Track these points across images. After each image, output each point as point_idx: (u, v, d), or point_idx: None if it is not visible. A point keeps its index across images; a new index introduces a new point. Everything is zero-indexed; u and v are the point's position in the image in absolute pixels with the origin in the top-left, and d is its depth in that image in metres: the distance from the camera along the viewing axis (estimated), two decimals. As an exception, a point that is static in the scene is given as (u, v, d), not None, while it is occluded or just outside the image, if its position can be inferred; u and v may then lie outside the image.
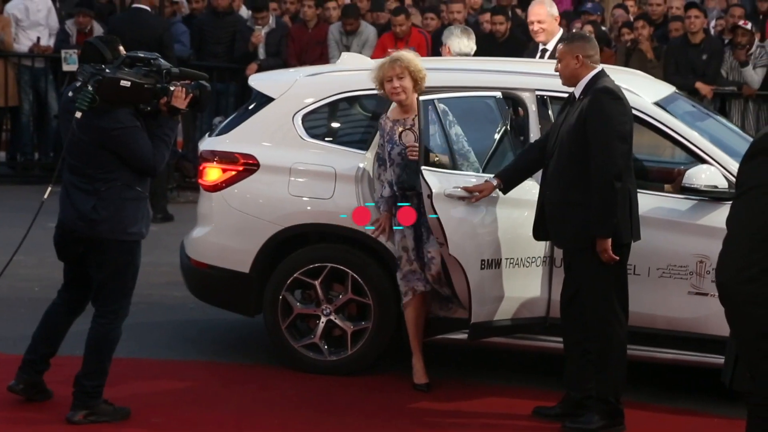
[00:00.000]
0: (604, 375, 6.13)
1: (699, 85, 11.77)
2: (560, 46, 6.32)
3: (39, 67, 12.97)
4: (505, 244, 6.42)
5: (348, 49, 12.11)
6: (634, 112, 6.64)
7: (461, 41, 8.48)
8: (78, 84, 5.81)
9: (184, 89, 5.88)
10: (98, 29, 12.93)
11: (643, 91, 6.90)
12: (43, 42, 12.89)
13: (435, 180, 6.26)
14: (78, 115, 5.72)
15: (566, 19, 13.64)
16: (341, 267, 6.77)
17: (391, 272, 6.75)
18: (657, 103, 6.84)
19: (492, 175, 6.39)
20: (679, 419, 6.51)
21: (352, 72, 7.26)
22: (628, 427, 6.20)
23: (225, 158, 7.04)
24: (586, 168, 6.01)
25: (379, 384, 6.77)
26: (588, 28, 12.34)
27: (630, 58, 12.07)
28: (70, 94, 5.90)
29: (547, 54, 8.47)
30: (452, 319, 6.66)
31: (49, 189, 5.87)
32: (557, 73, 6.27)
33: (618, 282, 6.12)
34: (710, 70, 11.91)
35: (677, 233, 6.52)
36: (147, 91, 5.80)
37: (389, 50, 12.23)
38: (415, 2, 14.42)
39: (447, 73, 7.13)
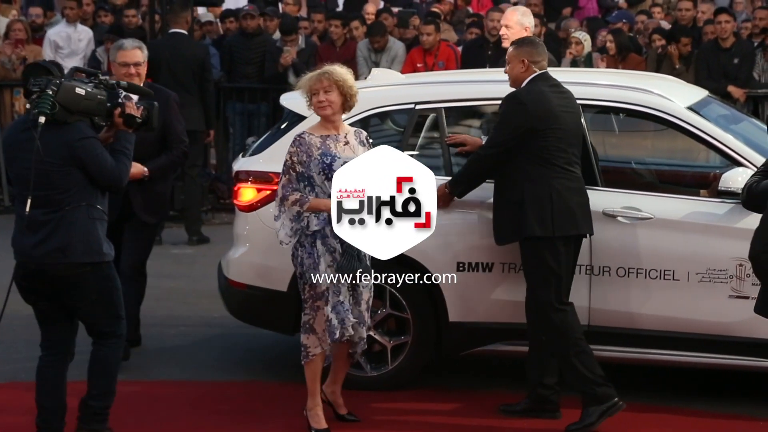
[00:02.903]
0: (565, 365, 6.24)
1: (731, 88, 11.70)
2: (510, 49, 6.52)
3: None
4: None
5: (377, 65, 12.15)
6: (668, 117, 6.67)
7: None
8: (34, 96, 5.58)
9: (133, 101, 5.85)
10: (129, 55, 13.01)
11: (676, 95, 6.88)
12: (77, 70, 13.01)
13: None
14: (42, 119, 5.51)
15: (591, 27, 13.62)
16: (378, 283, 6.76)
17: (428, 286, 6.74)
18: (690, 108, 6.81)
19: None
20: (723, 423, 6.47)
21: (382, 88, 7.29)
22: (661, 428, 6.19)
23: (259, 178, 7.07)
24: (506, 170, 6.31)
25: (422, 397, 6.76)
26: (609, 36, 12.34)
27: (661, 64, 12.03)
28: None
29: None
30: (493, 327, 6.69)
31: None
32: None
33: (553, 275, 6.20)
34: (742, 74, 11.85)
35: (715, 237, 6.48)
36: (100, 103, 5.70)
37: (419, 65, 12.43)
38: (443, 18, 14.43)
39: (488, 85, 7.16)
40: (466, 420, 6.48)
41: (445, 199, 6.48)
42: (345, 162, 6.07)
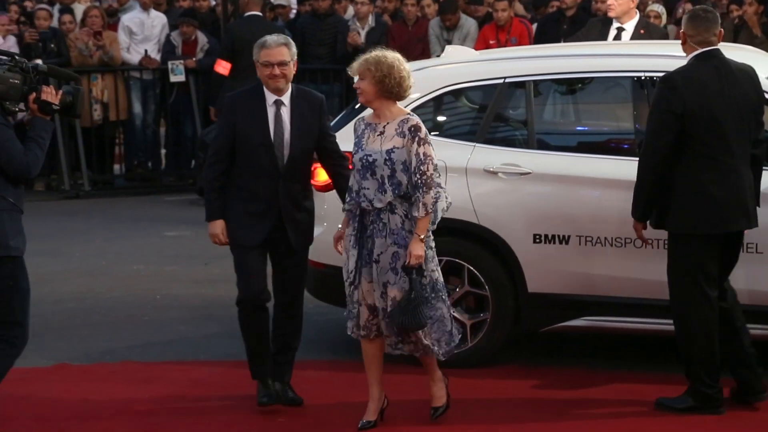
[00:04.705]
0: (689, 356, 6.09)
1: (811, 57, 11.46)
2: None
3: (147, 79, 13.25)
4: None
5: (449, 43, 12.11)
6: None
7: None
8: None
9: (52, 87, 5.53)
10: (202, 39, 13.14)
11: (757, 65, 6.75)
12: (152, 55, 13.15)
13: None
14: None
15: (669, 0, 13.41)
16: (456, 260, 6.77)
17: (507, 263, 6.75)
18: (772, 77, 6.69)
19: None
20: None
21: (457, 65, 7.29)
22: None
23: (336, 157, 7.09)
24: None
25: (500, 375, 6.76)
26: (687, 6, 12.16)
27: (738, 34, 11.83)
28: None
29: (624, 33, 8.73)
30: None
31: None
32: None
33: (691, 271, 5.99)
34: (822, 42, 11.61)
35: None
36: (13, 87, 5.38)
37: (491, 41, 12.37)
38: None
39: (581, 60, 7.18)
40: (545, 397, 6.46)
41: (638, 229, 6.11)
42: (365, 155, 5.85)
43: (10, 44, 12.63)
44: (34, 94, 5.46)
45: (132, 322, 8.04)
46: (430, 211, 5.78)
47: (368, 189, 5.83)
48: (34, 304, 8.14)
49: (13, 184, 5.46)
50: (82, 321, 8.03)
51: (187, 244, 10.29)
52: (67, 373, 6.93)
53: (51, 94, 5.49)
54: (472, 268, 6.78)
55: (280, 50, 6.17)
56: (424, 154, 5.78)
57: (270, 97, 6.18)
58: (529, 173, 6.75)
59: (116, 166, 13.64)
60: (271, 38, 6.27)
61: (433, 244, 5.92)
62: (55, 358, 7.19)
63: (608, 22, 8.93)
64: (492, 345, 6.84)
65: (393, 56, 5.91)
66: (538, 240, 6.72)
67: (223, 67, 11.51)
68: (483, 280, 6.77)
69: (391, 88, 5.85)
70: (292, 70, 6.18)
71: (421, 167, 5.77)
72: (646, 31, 8.97)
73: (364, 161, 5.85)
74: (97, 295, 8.67)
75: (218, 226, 6.19)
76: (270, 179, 6.14)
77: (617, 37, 8.91)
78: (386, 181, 5.80)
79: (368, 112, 6.07)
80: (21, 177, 5.47)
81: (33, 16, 13.13)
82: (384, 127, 5.87)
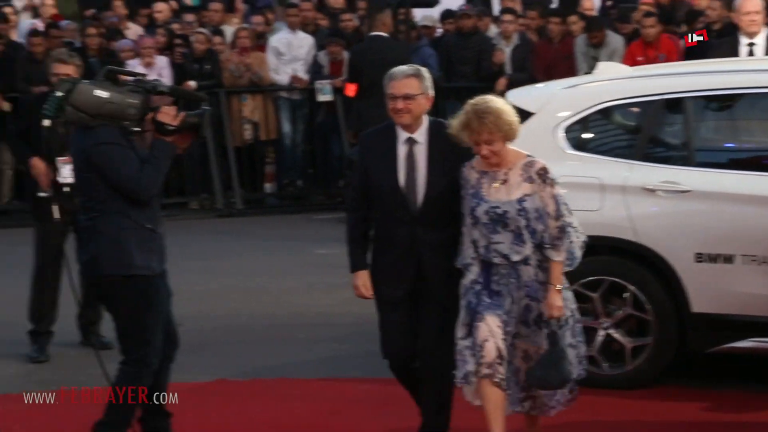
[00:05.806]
0: None
1: None
2: None
3: (296, 99, 13.45)
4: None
5: (595, 60, 11.99)
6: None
7: None
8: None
9: (174, 108, 5.44)
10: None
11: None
12: (300, 75, 13.34)
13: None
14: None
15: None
16: (620, 281, 6.67)
17: (669, 283, 6.62)
18: None
19: None
20: None
21: (610, 81, 7.20)
22: None
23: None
24: None
25: (663, 396, 6.61)
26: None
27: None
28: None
29: (756, 48, 8.61)
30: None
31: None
32: None
33: None
34: None
35: None
36: (131, 107, 5.34)
37: (639, 58, 12.21)
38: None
39: (729, 76, 7.03)
40: (708, 420, 6.31)
41: None
42: (491, 208, 5.42)
43: (162, 65, 12.99)
44: (152, 115, 5.41)
45: (286, 338, 8.12)
46: (565, 256, 5.48)
47: (502, 243, 5.43)
48: (192, 320, 8.34)
49: (140, 203, 5.44)
50: (237, 337, 8.17)
51: (337, 261, 10.35)
52: (225, 388, 7.03)
53: (169, 115, 5.41)
54: (635, 290, 6.65)
55: (406, 82, 5.52)
56: (559, 195, 5.45)
57: (402, 135, 5.58)
58: (690, 191, 6.62)
59: (267, 185, 13.87)
60: (400, 69, 5.61)
61: (567, 284, 5.58)
62: (213, 374, 7.31)
63: (736, 40, 8.79)
64: (654, 369, 6.70)
65: (494, 100, 5.48)
66: (700, 259, 6.58)
67: (350, 90, 11.65)
68: (646, 303, 6.63)
69: (515, 133, 5.45)
70: (421, 104, 5.54)
71: (560, 210, 5.45)
72: None
73: (491, 214, 5.42)
74: (251, 312, 8.82)
75: (359, 277, 5.67)
76: (405, 226, 5.56)
77: (750, 54, 8.77)
78: (523, 231, 5.41)
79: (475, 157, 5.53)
80: (134, 197, 5.40)
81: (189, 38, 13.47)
82: (506, 173, 5.46)
